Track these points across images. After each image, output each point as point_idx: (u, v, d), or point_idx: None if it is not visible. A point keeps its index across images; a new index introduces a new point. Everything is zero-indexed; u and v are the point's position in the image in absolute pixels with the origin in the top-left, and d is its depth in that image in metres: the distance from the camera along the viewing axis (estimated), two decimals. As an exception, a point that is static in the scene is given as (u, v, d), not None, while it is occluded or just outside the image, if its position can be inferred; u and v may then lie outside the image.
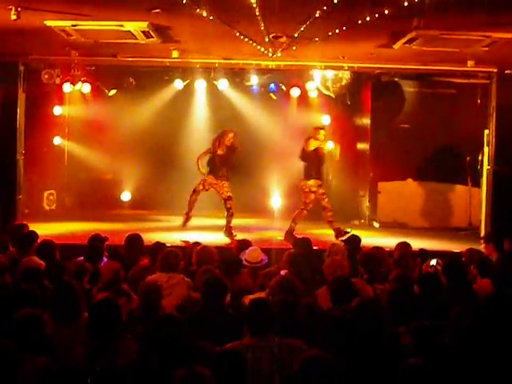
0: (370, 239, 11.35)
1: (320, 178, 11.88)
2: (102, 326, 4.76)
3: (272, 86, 15.38)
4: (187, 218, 12.21)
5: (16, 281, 6.40)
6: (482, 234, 12.84)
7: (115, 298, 5.21)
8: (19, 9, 8.23)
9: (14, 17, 8.27)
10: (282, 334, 4.77)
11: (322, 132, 11.94)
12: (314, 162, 11.74)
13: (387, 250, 8.58)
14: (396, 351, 4.70)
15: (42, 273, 6.46)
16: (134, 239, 8.37)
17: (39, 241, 8.13)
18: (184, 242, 10.51)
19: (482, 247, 9.78)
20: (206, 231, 12.28)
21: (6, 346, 4.01)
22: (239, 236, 11.01)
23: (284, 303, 5.13)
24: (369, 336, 4.68)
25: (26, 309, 4.76)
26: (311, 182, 11.71)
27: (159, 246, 7.98)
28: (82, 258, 7.61)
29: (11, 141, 12.29)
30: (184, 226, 12.21)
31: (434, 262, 7.68)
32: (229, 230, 11.87)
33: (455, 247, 10.97)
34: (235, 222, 12.38)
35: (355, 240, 8.97)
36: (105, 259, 7.85)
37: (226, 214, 12.03)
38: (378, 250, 8.11)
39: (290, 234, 11.58)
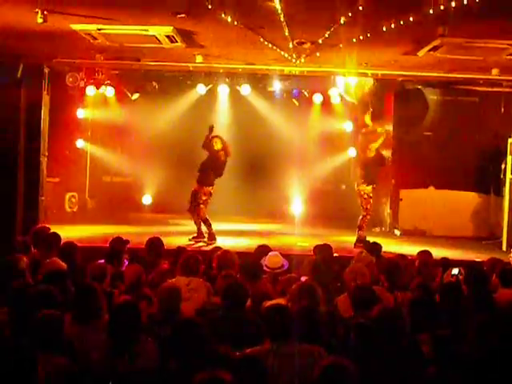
0: (391, 247, 11.30)
1: (376, 183, 11.86)
2: (122, 329, 4.78)
3: (294, 91, 15.39)
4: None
5: (38, 282, 6.43)
6: (504, 243, 12.73)
7: (136, 302, 5.23)
8: (45, 12, 8.28)
9: (40, 20, 8.32)
10: (302, 341, 4.76)
11: (379, 129, 12.06)
12: (373, 166, 11.85)
13: (409, 257, 8.54)
14: (416, 359, 4.68)
15: (64, 275, 6.49)
16: (155, 242, 8.39)
17: (62, 243, 8.18)
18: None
19: (510, 256, 9.69)
20: (225, 236, 12.28)
21: (25, 346, 4.03)
22: (260, 241, 10.99)
23: (304, 310, 5.12)
24: (389, 344, 4.66)
25: (46, 310, 4.79)
26: (369, 188, 11.80)
27: (180, 250, 8.01)
28: (103, 260, 7.65)
29: (35, 143, 12.37)
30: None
31: (455, 271, 7.61)
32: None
33: (477, 256, 10.90)
34: (257, 227, 12.35)
35: (376, 248, 8.93)
36: (126, 262, 7.88)
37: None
38: (401, 258, 8.07)
39: (360, 241, 11.62)
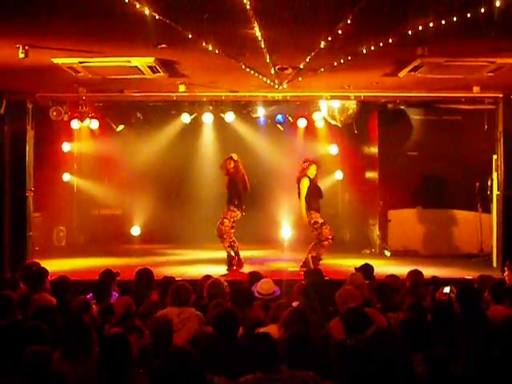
0: (382, 268, 11.28)
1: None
2: (112, 363, 4.72)
3: (279, 117, 15.45)
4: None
5: (27, 318, 6.38)
6: (495, 259, 12.74)
7: (127, 334, 5.17)
8: (27, 47, 8.31)
9: (21, 55, 8.35)
10: (295, 367, 4.72)
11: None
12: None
13: (400, 278, 8.52)
14: (410, 380, 4.65)
15: (53, 310, 6.43)
16: (145, 274, 8.34)
17: (55, 277, 8.12)
18: None
19: (505, 274, 9.68)
20: (216, 264, 12.23)
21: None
22: (249, 268, 10.97)
23: (296, 335, 5.08)
24: (383, 366, 4.63)
25: (34, 346, 4.73)
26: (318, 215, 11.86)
27: (168, 280, 7.95)
28: (91, 294, 7.60)
29: (20, 178, 12.33)
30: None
31: (447, 289, 7.60)
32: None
33: (467, 274, 10.90)
34: (246, 253, 12.34)
35: (368, 269, 8.91)
36: (115, 294, 7.82)
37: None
38: (392, 278, 8.06)
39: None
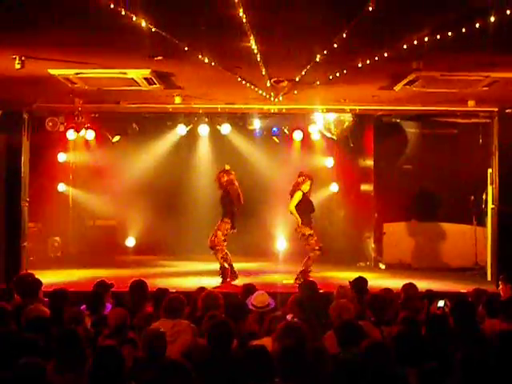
0: (377, 281, 11.28)
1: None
2: (105, 375, 4.70)
3: (275, 129, 15.47)
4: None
5: (21, 329, 6.35)
6: (489, 273, 12.75)
7: (120, 346, 5.16)
8: (23, 58, 8.33)
9: (18, 66, 8.37)
10: (289, 380, 4.71)
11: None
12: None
13: (394, 291, 8.52)
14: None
15: (47, 321, 6.41)
16: (139, 285, 8.31)
17: (51, 289, 8.09)
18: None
19: (500, 288, 9.68)
20: (210, 276, 12.21)
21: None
22: (243, 281, 10.95)
23: (290, 348, 5.07)
24: (377, 379, 4.62)
25: (28, 357, 4.71)
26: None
27: (162, 291, 7.92)
28: (84, 305, 7.58)
29: (15, 188, 12.31)
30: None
31: (441, 303, 7.61)
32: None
33: (462, 287, 10.91)
34: (240, 266, 12.32)
35: (362, 282, 8.90)
36: (109, 306, 7.80)
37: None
38: (386, 291, 8.05)
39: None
